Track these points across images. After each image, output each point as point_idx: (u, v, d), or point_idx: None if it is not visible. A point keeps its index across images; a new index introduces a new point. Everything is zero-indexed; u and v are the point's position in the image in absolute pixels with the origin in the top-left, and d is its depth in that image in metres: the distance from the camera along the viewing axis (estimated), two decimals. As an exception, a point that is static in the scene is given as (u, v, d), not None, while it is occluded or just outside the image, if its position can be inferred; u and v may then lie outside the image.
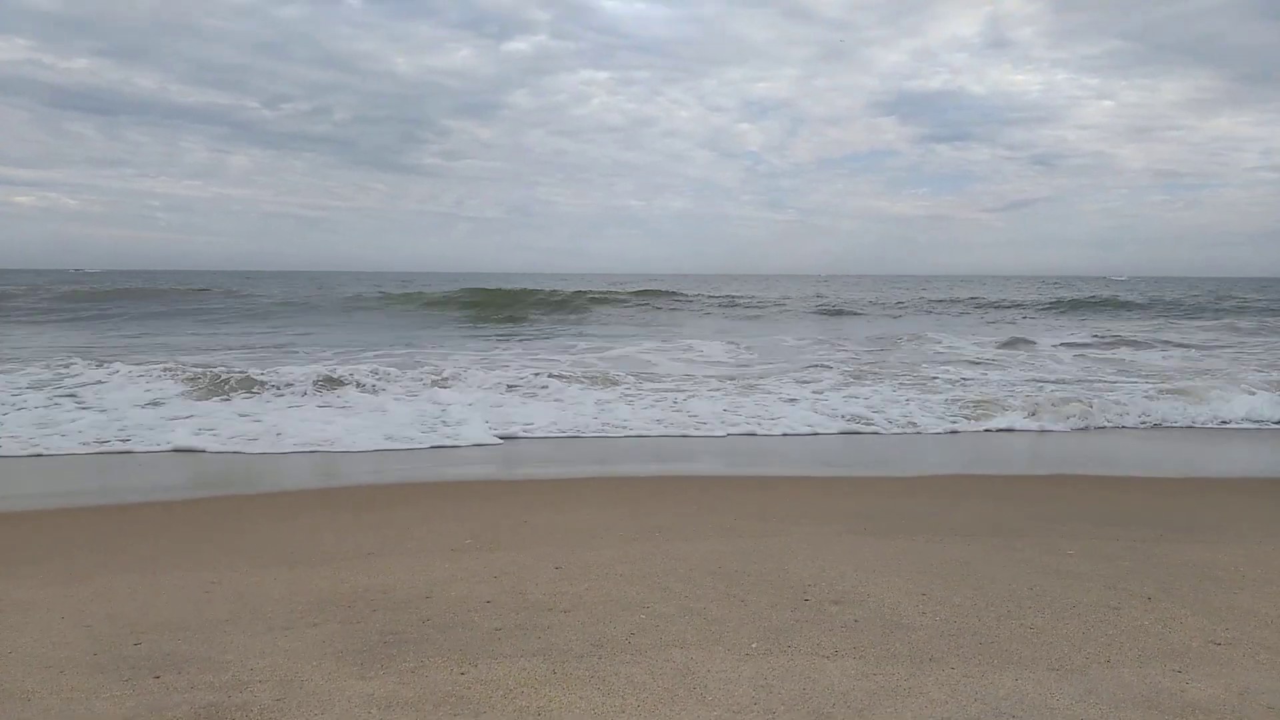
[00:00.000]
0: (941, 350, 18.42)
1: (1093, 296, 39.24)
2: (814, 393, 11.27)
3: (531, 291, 34.28)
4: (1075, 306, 36.04)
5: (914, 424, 9.16)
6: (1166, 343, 20.13)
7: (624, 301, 34.16)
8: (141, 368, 11.77)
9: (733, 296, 38.31)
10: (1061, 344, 19.61)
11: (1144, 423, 9.60)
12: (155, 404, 9.49)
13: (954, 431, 9.06)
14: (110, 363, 12.42)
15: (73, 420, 8.61)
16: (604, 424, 8.98)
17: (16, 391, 9.95)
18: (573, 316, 29.48)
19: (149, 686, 2.81)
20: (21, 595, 3.78)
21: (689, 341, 20.07)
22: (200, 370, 11.63)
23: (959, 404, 10.43)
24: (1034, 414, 9.58)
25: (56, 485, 6.63)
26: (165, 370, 11.60)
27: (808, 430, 8.60)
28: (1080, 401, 9.99)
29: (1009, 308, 36.32)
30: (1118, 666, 2.97)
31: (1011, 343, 19.88)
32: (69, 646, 3.17)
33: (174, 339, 21.20)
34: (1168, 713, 2.62)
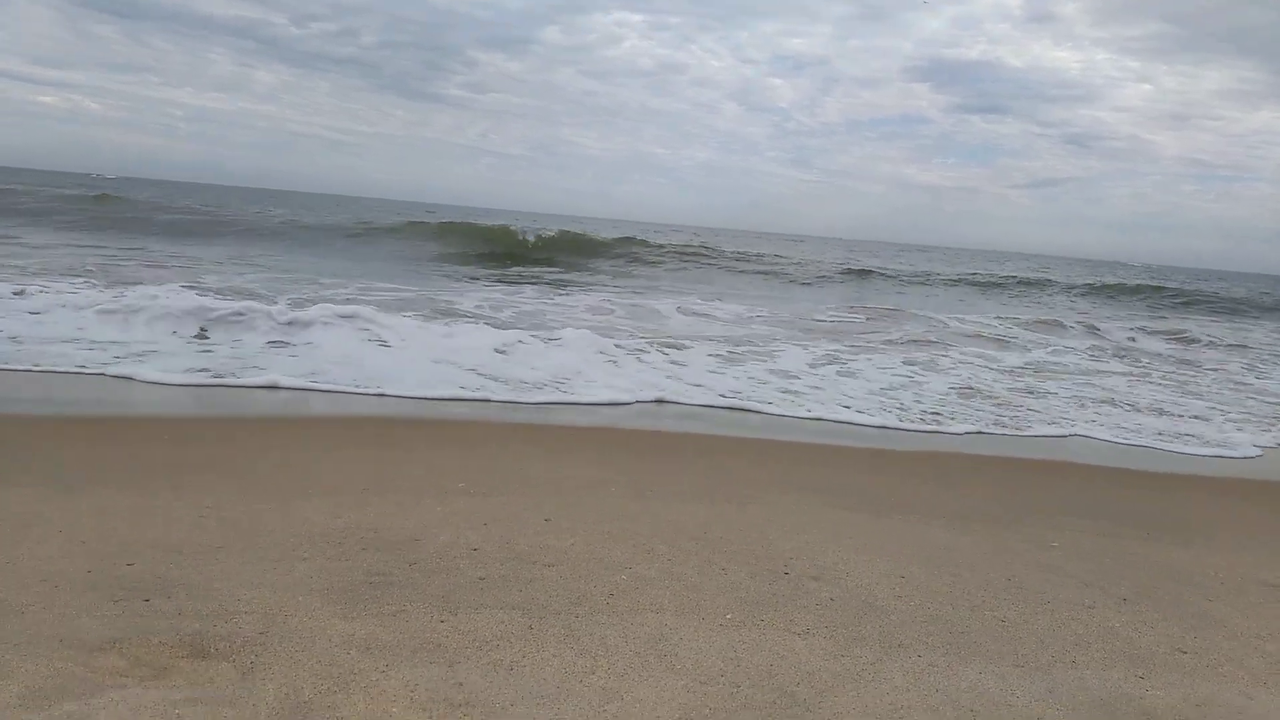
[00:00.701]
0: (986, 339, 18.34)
1: (1140, 284, 37.75)
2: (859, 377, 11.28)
3: (566, 234, 33.78)
4: (1131, 292, 34.81)
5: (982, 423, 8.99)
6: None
7: (659, 249, 33.49)
8: (163, 287, 11.86)
9: (768, 255, 37.18)
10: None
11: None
12: (178, 323, 9.53)
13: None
14: (137, 285, 12.52)
15: (92, 338, 8.69)
16: (610, 377, 9.02)
17: (36, 309, 10.01)
18: (599, 263, 29.08)
19: (138, 609, 2.90)
20: (21, 507, 3.87)
21: (727, 304, 20.07)
22: (227, 295, 11.72)
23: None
24: None
25: (60, 396, 6.72)
26: (189, 290, 11.68)
27: (836, 419, 8.29)
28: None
29: (1038, 288, 35.27)
30: (1082, 668, 3.02)
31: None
32: (64, 561, 3.27)
33: (198, 253, 21.28)
34: (1123, 719, 2.68)
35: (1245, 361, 16.06)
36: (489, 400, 7.55)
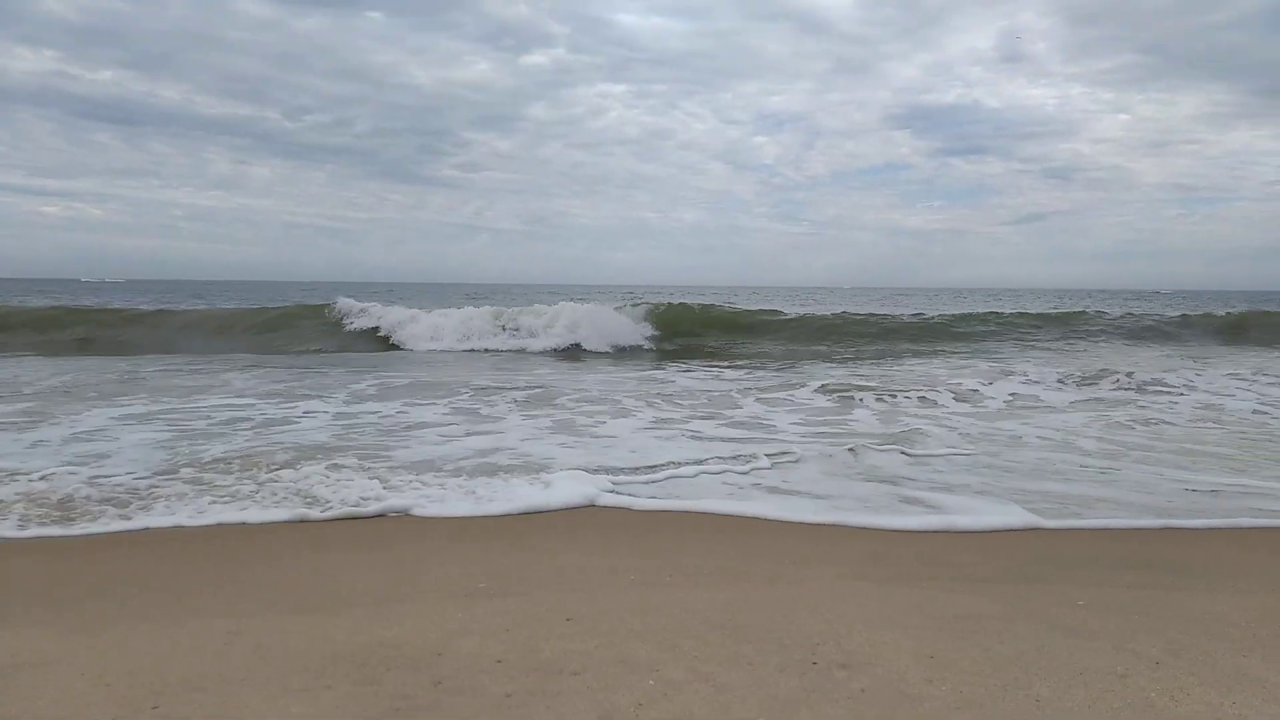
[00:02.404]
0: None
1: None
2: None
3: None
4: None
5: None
6: None
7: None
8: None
9: (842, 316, 30.90)
10: None
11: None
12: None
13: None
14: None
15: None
16: (631, 450, 9.02)
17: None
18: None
19: (167, 760, 2.88)
20: (44, 647, 3.86)
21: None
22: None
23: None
24: None
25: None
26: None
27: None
28: None
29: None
30: (1122, 747, 2.98)
31: None
32: (89, 710, 3.24)
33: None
34: (1169, 805, 2.64)
35: None
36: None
